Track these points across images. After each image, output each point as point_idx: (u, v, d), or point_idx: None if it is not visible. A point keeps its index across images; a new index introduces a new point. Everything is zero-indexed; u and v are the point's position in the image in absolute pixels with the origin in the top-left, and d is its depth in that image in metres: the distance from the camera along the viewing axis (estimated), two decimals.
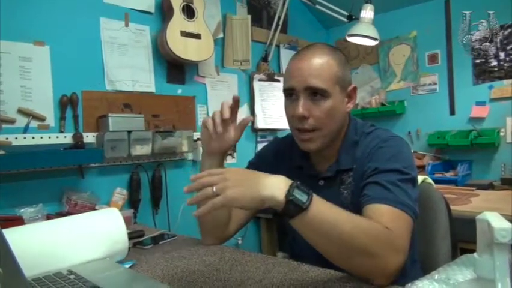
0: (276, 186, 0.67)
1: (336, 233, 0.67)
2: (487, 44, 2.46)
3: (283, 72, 2.75)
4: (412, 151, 0.96)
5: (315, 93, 0.87)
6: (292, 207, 0.65)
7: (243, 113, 2.55)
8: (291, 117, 0.92)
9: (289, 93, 0.91)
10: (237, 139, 0.97)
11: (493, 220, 0.39)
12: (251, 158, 1.13)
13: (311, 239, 0.70)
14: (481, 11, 2.47)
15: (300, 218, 0.66)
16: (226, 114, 0.91)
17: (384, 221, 0.73)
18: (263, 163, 1.05)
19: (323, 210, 0.68)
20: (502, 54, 2.42)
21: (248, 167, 1.07)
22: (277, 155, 1.06)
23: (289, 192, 0.65)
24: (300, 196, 0.65)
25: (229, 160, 2.43)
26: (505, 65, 2.41)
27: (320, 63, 0.88)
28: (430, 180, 1.05)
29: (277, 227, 2.51)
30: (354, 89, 0.94)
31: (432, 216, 1.01)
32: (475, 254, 0.43)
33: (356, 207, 0.78)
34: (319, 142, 0.91)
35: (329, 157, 0.96)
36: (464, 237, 0.88)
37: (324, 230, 0.68)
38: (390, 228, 0.72)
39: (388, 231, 0.71)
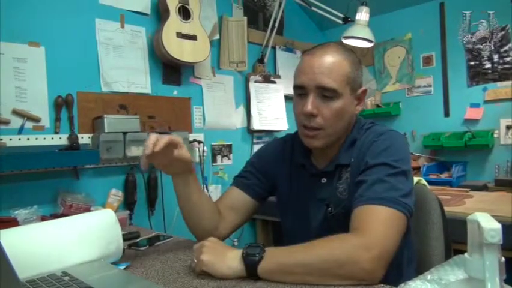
0: (234, 256, 0.77)
1: (299, 268, 0.71)
2: (481, 46, 2.48)
3: (279, 74, 2.76)
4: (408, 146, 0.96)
5: (326, 92, 0.86)
6: (249, 261, 0.73)
7: (239, 114, 2.55)
8: (299, 113, 0.91)
9: (300, 90, 0.90)
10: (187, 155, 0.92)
11: (483, 221, 0.39)
12: (249, 158, 1.13)
13: (284, 281, 0.73)
14: (476, 13, 2.49)
15: (260, 271, 0.73)
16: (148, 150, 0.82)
17: (357, 223, 0.75)
18: (264, 163, 1.05)
19: (280, 256, 0.74)
20: (495, 57, 2.44)
21: (248, 166, 1.08)
22: (278, 154, 1.06)
23: (244, 252, 0.75)
24: (252, 250, 0.74)
25: (225, 161, 2.43)
26: (499, 67, 2.43)
27: (331, 62, 0.86)
28: (424, 182, 1.06)
29: (273, 228, 2.51)
30: (364, 91, 0.94)
31: (426, 217, 1.02)
32: (465, 254, 0.43)
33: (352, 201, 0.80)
34: (324, 140, 0.90)
35: (330, 155, 0.96)
36: (458, 238, 0.89)
37: (288, 270, 0.72)
38: (359, 227, 0.73)
39: (348, 236, 0.73)
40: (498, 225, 0.38)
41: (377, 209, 0.76)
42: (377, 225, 0.74)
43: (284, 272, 0.72)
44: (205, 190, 2.26)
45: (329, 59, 0.87)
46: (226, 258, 0.77)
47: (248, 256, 0.74)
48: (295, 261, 0.72)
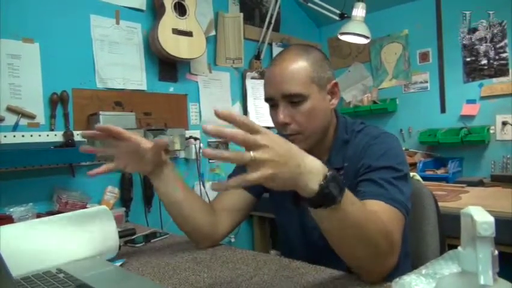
0: (312, 175, 0.59)
1: (360, 230, 0.66)
2: (478, 42, 2.49)
3: None
4: (404, 149, 0.96)
5: (293, 98, 0.87)
6: (323, 200, 0.60)
7: (235, 110, 2.55)
8: (275, 124, 0.93)
9: (270, 102, 0.92)
10: (157, 159, 0.87)
11: (476, 214, 0.39)
12: None
13: (332, 230, 0.67)
14: (472, 9, 2.49)
15: (326, 211, 0.61)
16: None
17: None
18: None
19: (351, 206, 0.63)
20: (491, 53, 2.45)
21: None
22: None
23: (325, 185, 0.58)
24: (334, 189, 0.59)
25: None
26: (495, 63, 2.44)
27: (291, 68, 0.87)
28: (418, 177, 1.07)
29: (270, 224, 2.51)
30: (335, 84, 0.93)
31: (421, 212, 1.02)
32: (459, 248, 0.43)
33: None
34: (306, 143, 0.91)
35: (319, 156, 0.95)
36: (454, 233, 0.89)
37: (346, 227, 0.65)
38: (387, 225, 0.72)
39: (389, 230, 0.71)
40: (491, 218, 0.38)
41: (392, 209, 0.76)
42: (397, 228, 0.74)
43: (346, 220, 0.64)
44: (202, 187, 2.26)
45: (288, 65, 0.87)
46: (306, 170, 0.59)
47: (327, 195, 0.59)
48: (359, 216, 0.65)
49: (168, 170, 0.90)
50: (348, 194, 0.63)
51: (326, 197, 0.59)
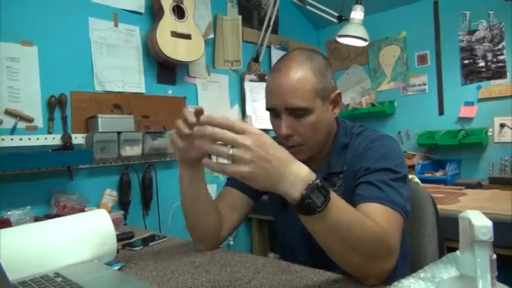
0: (295, 183, 0.61)
1: (346, 236, 0.66)
2: (478, 45, 2.49)
3: None
4: (402, 151, 0.96)
5: (297, 111, 0.86)
6: (305, 208, 0.61)
7: (234, 113, 2.55)
8: (277, 134, 0.92)
9: (272, 111, 0.91)
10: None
11: (474, 218, 0.39)
12: None
13: (317, 236, 0.68)
14: (470, 11, 2.50)
15: (310, 218, 0.63)
16: (192, 118, 0.80)
17: (378, 221, 0.73)
18: None
19: (336, 214, 0.64)
20: (489, 55, 2.46)
21: None
22: None
23: (306, 195, 0.60)
24: (317, 199, 0.60)
25: (220, 160, 2.42)
26: (493, 65, 2.45)
27: (296, 79, 0.85)
28: (417, 180, 1.06)
29: (269, 227, 2.51)
30: (339, 94, 0.92)
31: (419, 215, 1.02)
32: (457, 252, 0.43)
33: None
34: (307, 154, 0.91)
35: (319, 160, 0.96)
36: (452, 236, 0.90)
37: (333, 232, 0.66)
38: (384, 228, 0.72)
39: (386, 233, 0.71)
40: (489, 223, 0.38)
41: (390, 211, 0.76)
42: (395, 230, 0.74)
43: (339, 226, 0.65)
44: None
45: (294, 76, 0.85)
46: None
47: (308, 204, 0.60)
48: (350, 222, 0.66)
49: (202, 171, 0.92)
50: (336, 202, 0.64)
51: (306, 206, 0.61)
